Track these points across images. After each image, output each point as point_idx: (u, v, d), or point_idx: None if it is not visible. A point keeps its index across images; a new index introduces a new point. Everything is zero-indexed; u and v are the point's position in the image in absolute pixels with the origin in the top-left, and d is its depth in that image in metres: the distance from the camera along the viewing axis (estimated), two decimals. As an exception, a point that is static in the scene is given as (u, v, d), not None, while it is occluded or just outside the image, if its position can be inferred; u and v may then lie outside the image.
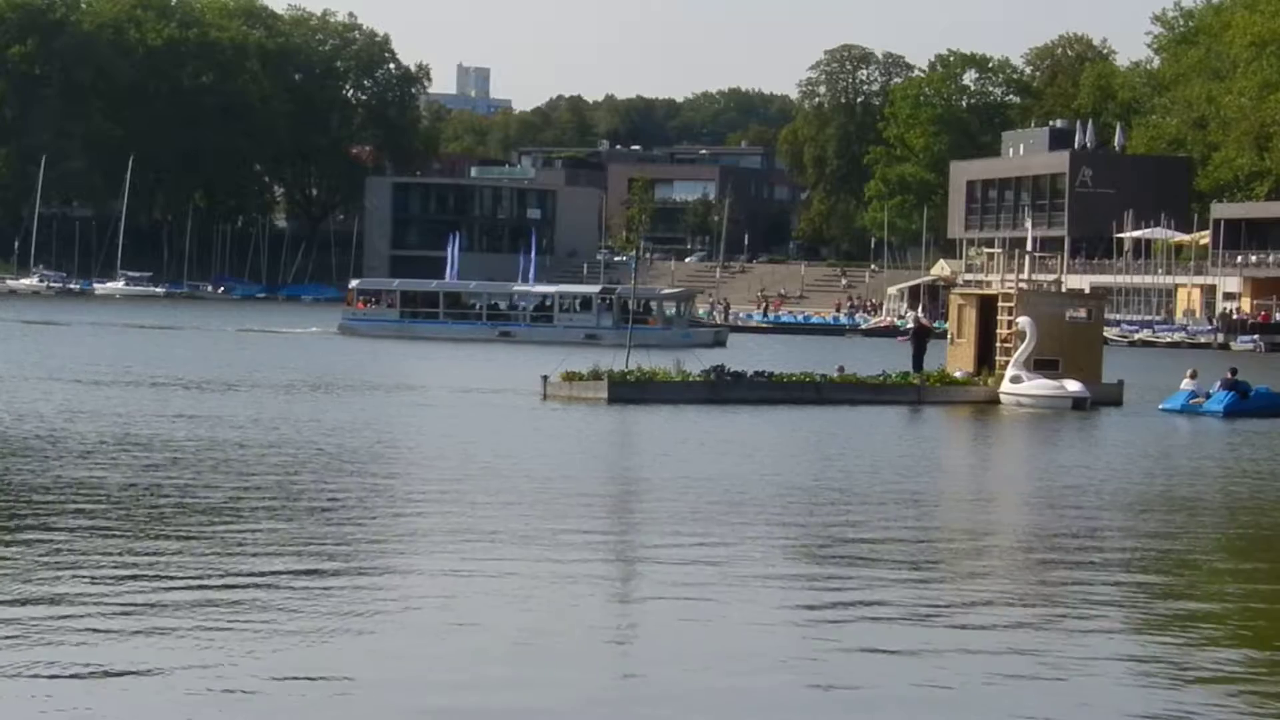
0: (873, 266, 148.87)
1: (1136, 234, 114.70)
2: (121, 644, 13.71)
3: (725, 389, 42.81)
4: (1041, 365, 45.05)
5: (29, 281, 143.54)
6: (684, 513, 22.25)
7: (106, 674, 12.78)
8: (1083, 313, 47.66)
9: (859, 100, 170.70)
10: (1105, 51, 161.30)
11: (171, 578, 16.60)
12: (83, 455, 26.76)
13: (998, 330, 46.64)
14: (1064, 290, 58.45)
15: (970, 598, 17.05)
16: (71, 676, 12.68)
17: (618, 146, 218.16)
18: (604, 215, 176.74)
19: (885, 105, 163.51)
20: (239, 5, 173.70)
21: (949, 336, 49.90)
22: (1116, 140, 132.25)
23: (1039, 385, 44.15)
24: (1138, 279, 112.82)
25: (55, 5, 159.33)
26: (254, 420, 33.85)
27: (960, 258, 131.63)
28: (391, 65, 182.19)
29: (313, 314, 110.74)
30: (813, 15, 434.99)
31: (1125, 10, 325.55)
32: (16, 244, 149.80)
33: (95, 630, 14.15)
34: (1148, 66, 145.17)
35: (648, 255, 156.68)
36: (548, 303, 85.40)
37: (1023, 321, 45.16)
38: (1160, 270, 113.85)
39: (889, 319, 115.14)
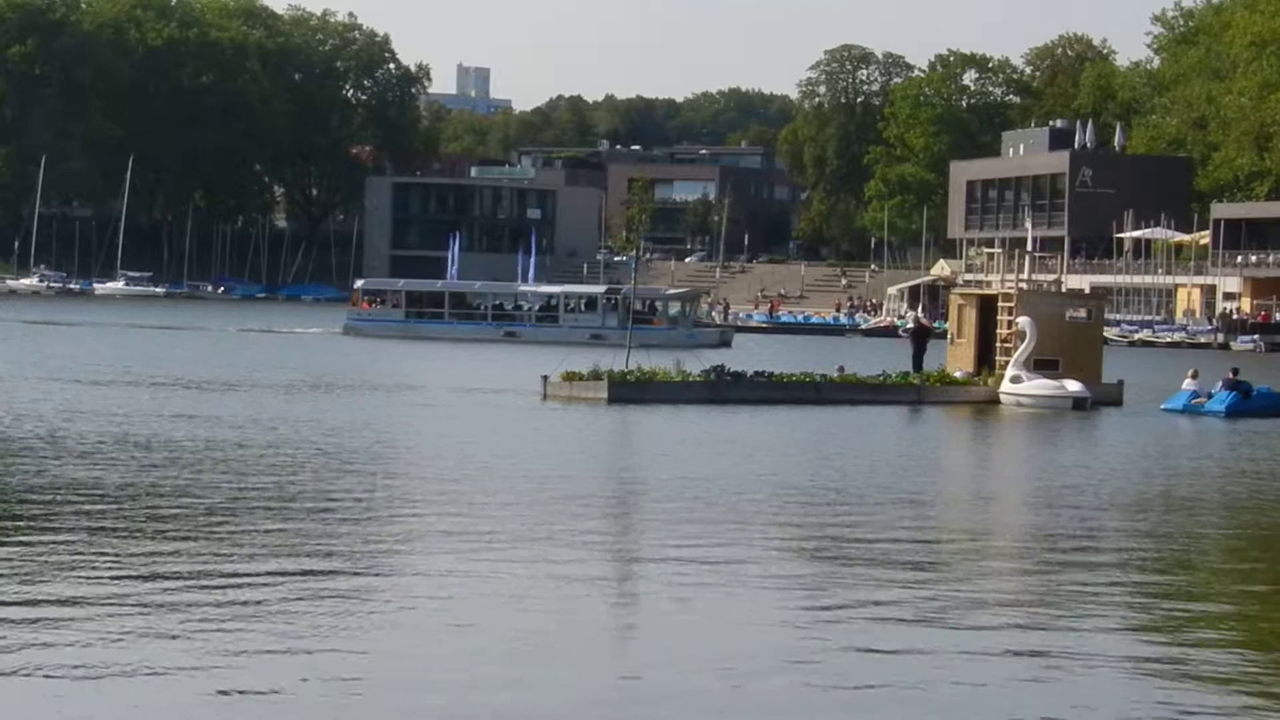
0: (873, 266, 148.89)
1: (1136, 234, 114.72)
2: (120, 645, 13.69)
3: (725, 389, 42.80)
4: (1041, 365, 45.04)
5: (29, 281, 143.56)
6: (683, 513, 22.23)
7: (104, 675, 12.76)
8: (1083, 313, 47.66)
9: (859, 100, 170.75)
10: (1105, 51, 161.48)
11: (170, 578, 16.59)
12: (82, 455, 26.74)
13: (998, 330, 46.63)
14: (1064, 290, 58.45)
15: (970, 598, 17.04)
16: (70, 678, 12.67)
17: (618, 146, 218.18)
18: (604, 215, 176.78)
19: (885, 105, 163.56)
20: (239, 5, 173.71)
21: (949, 336, 49.90)
22: (1116, 140, 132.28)
23: (1039, 385, 44.15)
24: (1138, 279, 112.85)
25: (55, 5, 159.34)
26: (254, 420, 33.84)
27: (960, 258, 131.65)
28: (391, 65, 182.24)
29: (315, 314, 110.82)
30: (813, 15, 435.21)
31: (1125, 10, 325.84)
32: (16, 244, 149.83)
33: (94, 631, 14.13)
34: (1148, 66, 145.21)
35: (648, 255, 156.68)
36: (553, 303, 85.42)
37: (1023, 321, 45.16)
38: (1160, 270, 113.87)
39: (889, 319, 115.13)
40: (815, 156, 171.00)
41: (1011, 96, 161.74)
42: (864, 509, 23.43)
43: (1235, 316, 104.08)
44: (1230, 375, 44.52)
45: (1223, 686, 13.56)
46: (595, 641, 14.78)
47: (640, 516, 22.56)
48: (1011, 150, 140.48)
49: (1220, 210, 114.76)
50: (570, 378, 42.86)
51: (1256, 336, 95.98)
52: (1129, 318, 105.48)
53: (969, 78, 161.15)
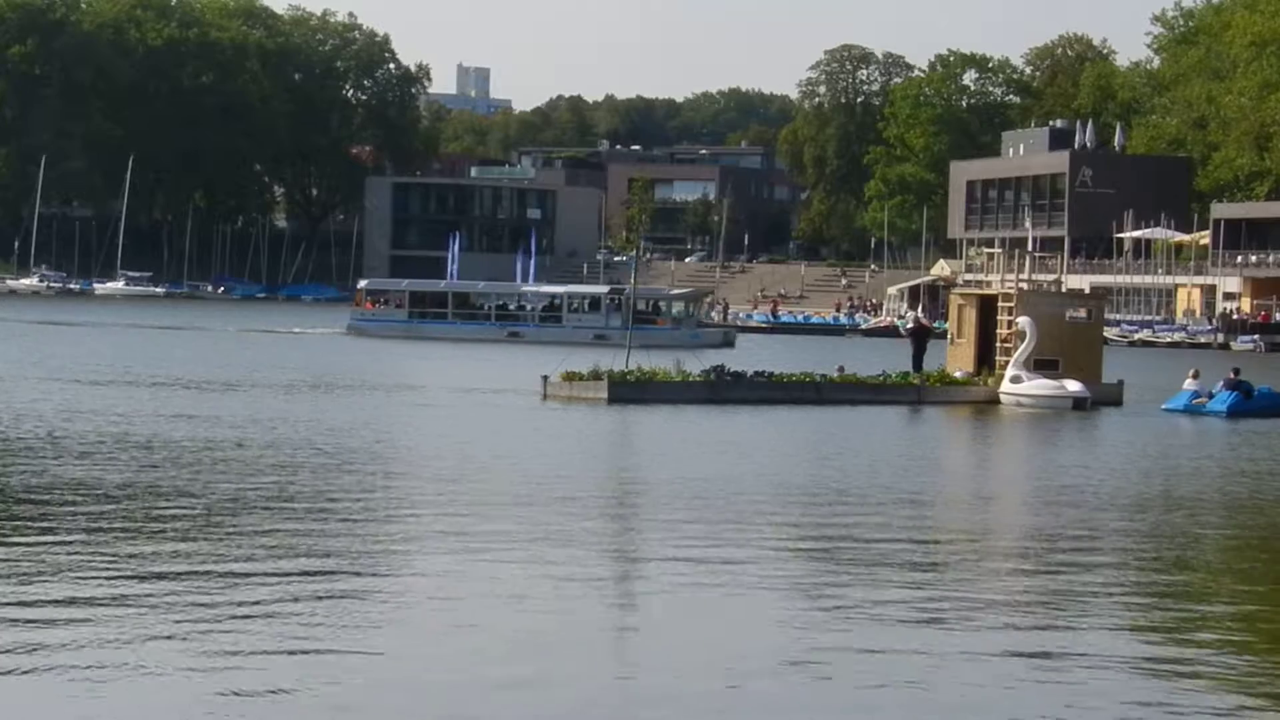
0: (873, 266, 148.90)
1: (1136, 234, 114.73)
2: (119, 645, 13.68)
3: (725, 389, 42.80)
4: (1041, 365, 45.03)
5: (29, 281, 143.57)
6: (683, 513, 22.23)
7: (104, 676, 12.76)
8: (1083, 313, 47.65)
9: (859, 100, 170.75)
10: (1105, 51, 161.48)
11: (170, 578, 16.58)
12: (82, 455, 26.74)
13: (998, 330, 46.63)
14: (1064, 290, 58.45)
15: (970, 598, 17.03)
16: (70, 678, 12.66)
17: (618, 146, 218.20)
18: (604, 215, 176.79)
19: (885, 105, 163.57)
20: (239, 5, 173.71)
21: (949, 336, 49.89)
22: (1116, 140, 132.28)
23: (1039, 385, 44.14)
24: (1138, 279, 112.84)
25: (55, 5, 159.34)
26: (254, 420, 33.83)
27: (960, 258, 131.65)
28: (391, 65, 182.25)
29: (318, 314, 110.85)
30: (813, 15, 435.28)
31: (1125, 10, 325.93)
32: (16, 244, 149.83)
33: (93, 631, 14.12)
34: (1148, 66, 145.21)
35: (648, 255, 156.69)
36: (556, 303, 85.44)
37: (1023, 321, 45.15)
38: (1160, 270, 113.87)
39: (889, 319, 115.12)
40: (815, 156, 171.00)
41: (1011, 96, 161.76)
42: (864, 509, 23.42)
43: (1235, 316, 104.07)
44: (1231, 375, 44.52)
45: (1223, 687, 13.56)
46: (595, 641, 14.78)
47: (640, 516, 22.56)
48: (1011, 150, 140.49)
49: (1220, 210, 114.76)
50: (570, 378, 42.86)
51: (1256, 336, 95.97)
52: (1129, 318, 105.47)
53: (969, 78, 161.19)
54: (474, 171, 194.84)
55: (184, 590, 15.98)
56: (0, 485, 23.15)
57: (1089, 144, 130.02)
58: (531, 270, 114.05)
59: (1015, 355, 44.97)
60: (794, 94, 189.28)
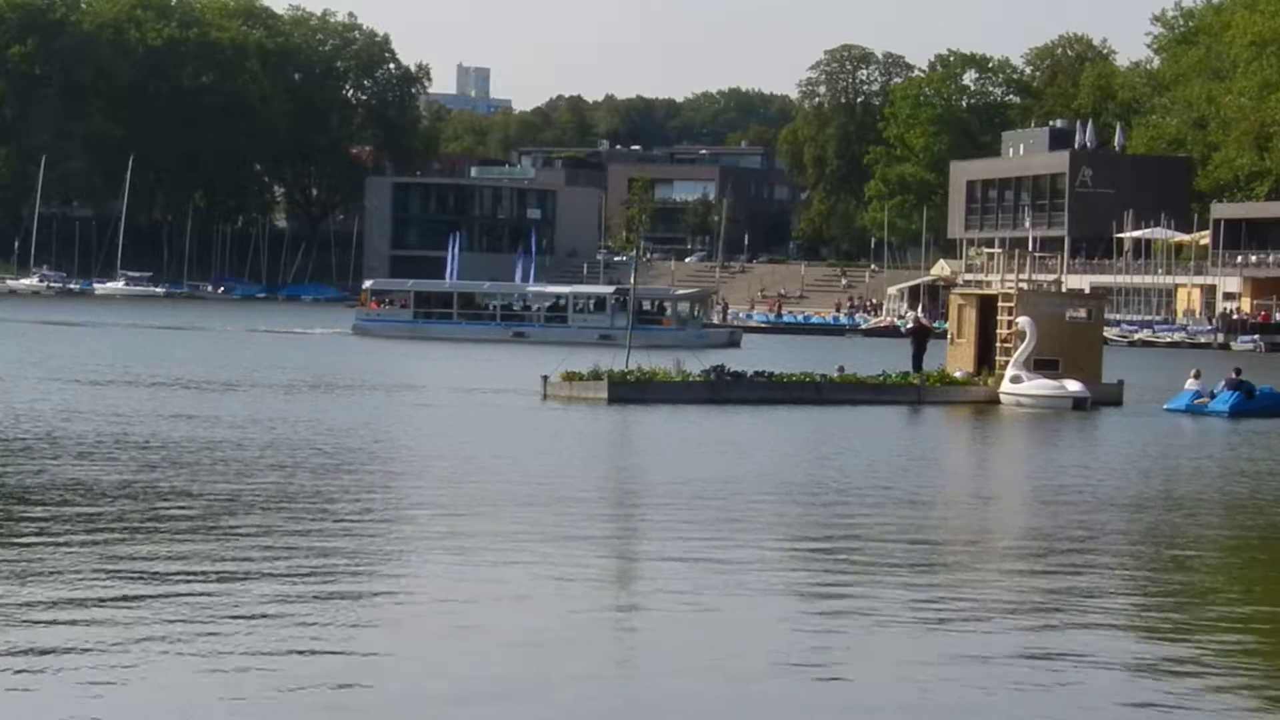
0: (873, 266, 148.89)
1: (1136, 234, 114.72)
2: (118, 646, 13.67)
3: (725, 389, 42.79)
4: (1041, 365, 45.03)
5: (29, 281, 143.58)
6: (683, 513, 22.22)
7: (103, 677, 12.75)
8: (1083, 313, 47.64)
9: (859, 100, 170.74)
10: (1105, 51, 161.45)
11: (169, 579, 16.57)
12: (81, 455, 26.72)
13: (998, 330, 46.62)
14: (1064, 290, 58.44)
15: (970, 598, 17.03)
16: (68, 680, 12.65)
17: (618, 146, 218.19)
18: (604, 215, 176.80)
19: (885, 105, 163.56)
20: (239, 5, 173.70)
21: (949, 336, 49.88)
22: (1116, 140, 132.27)
23: (1039, 385, 44.14)
24: (1138, 279, 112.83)
25: (55, 5, 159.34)
26: (253, 420, 33.83)
27: (960, 258, 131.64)
28: (391, 65, 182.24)
29: (322, 314, 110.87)
30: (813, 15, 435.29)
31: (1125, 10, 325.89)
32: (16, 244, 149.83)
33: (92, 632, 14.11)
34: (1148, 66, 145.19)
35: (648, 255, 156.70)
36: (561, 303, 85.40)
37: (1023, 321, 45.15)
38: (1160, 270, 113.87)
39: (889, 319, 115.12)
40: (815, 156, 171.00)
41: (1011, 96, 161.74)
42: (864, 509, 23.41)
43: (1235, 316, 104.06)
44: (1233, 375, 44.52)
45: (1223, 688, 13.55)
46: (595, 641, 14.77)
47: (640, 516, 22.54)
48: (1011, 150, 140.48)
49: (1220, 210, 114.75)
50: (570, 378, 42.85)
51: (1256, 336, 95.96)
52: (1129, 318, 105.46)
53: (969, 78, 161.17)
54: (474, 171, 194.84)
55: (183, 591, 15.97)
56: None
57: (1089, 144, 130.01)
58: (531, 270, 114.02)
59: (1015, 355, 44.96)
60: (794, 94, 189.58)
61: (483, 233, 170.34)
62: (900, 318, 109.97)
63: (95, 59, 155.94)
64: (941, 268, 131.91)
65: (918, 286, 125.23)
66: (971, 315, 47.95)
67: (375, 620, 15.08)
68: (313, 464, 26.51)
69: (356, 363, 58.47)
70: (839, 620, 15.64)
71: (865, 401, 43.46)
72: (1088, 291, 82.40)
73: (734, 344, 79.83)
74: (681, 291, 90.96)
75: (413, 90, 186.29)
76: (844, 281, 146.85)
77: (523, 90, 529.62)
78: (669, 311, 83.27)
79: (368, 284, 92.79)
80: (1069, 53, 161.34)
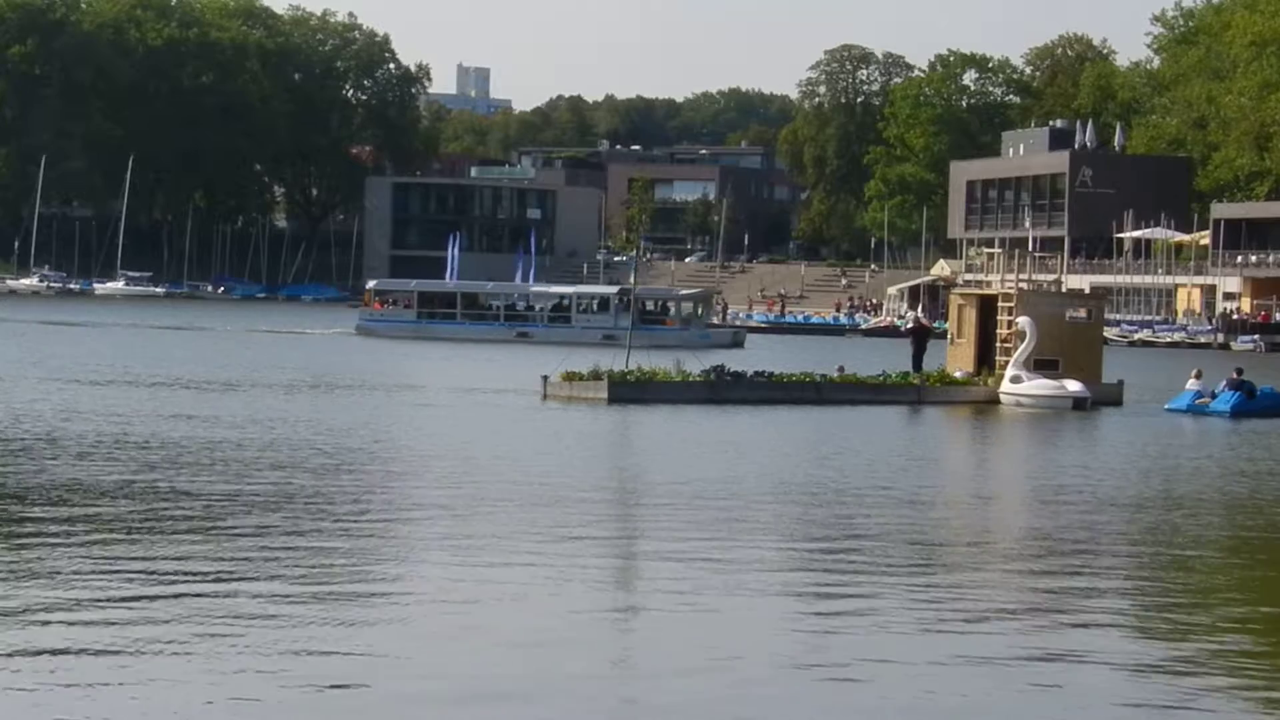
0: (873, 266, 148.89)
1: (1136, 234, 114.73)
2: (118, 647, 13.66)
3: (725, 389, 42.78)
4: (1041, 365, 45.03)
5: (29, 281, 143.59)
6: (683, 513, 22.21)
7: (102, 678, 12.74)
8: (1083, 313, 47.64)
9: (859, 100, 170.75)
10: (1105, 51, 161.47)
11: (169, 580, 16.56)
12: (80, 455, 26.72)
13: (998, 330, 46.62)
14: (1064, 290, 58.44)
15: (970, 599, 17.02)
16: (67, 681, 12.63)
17: (618, 146, 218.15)
18: (604, 215, 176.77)
19: (885, 105, 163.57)
20: (239, 5, 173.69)
21: (949, 336, 49.88)
22: (1116, 140, 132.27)
23: (1039, 385, 44.13)
24: (1138, 279, 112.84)
25: (55, 5, 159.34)
26: (253, 420, 33.83)
27: (960, 258, 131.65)
28: (391, 65, 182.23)
29: (324, 314, 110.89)
30: (813, 15, 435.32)
31: (1125, 10, 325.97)
32: (16, 244, 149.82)
33: (92, 634, 14.10)
34: (1148, 66, 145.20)
35: (648, 255, 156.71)
36: (565, 303, 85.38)
37: (1023, 321, 45.15)
38: (1160, 270, 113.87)
39: (889, 319, 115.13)
40: (815, 156, 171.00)
41: (1011, 96, 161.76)
42: (864, 509, 23.40)
43: (1235, 316, 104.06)
44: (1234, 375, 44.52)
45: (1223, 688, 13.55)
46: (595, 642, 14.76)
47: (640, 517, 22.53)
48: (1011, 150, 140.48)
49: (1220, 210, 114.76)
50: (570, 378, 42.84)
51: (1256, 336, 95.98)
52: (1129, 318, 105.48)
53: (969, 78, 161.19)
54: (474, 171, 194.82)
55: (182, 591, 15.95)
56: (-1, 485, 23.14)
57: (1089, 144, 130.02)
58: (531, 270, 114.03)
59: (1015, 355, 44.96)
60: (794, 94, 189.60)
61: (483, 233, 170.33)
62: (900, 318, 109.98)
63: (95, 59, 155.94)
64: (941, 268, 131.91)
65: (918, 286, 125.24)
66: (971, 315, 47.95)
67: (374, 620, 15.07)
68: (312, 464, 26.50)
69: (359, 363, 58.45)
70: (839, 621, 15.64)
71: (865, 401, 43.46)
72: (1088, 291, 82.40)
73: (738, 344, 79.80)
74: (685, 292, 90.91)
75: (413, 90, 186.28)
76: (844, 281, 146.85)
77: (523, 90, 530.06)
78: (673, 312, 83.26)
79: (371, 284, 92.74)
80: (1069, 53, 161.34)
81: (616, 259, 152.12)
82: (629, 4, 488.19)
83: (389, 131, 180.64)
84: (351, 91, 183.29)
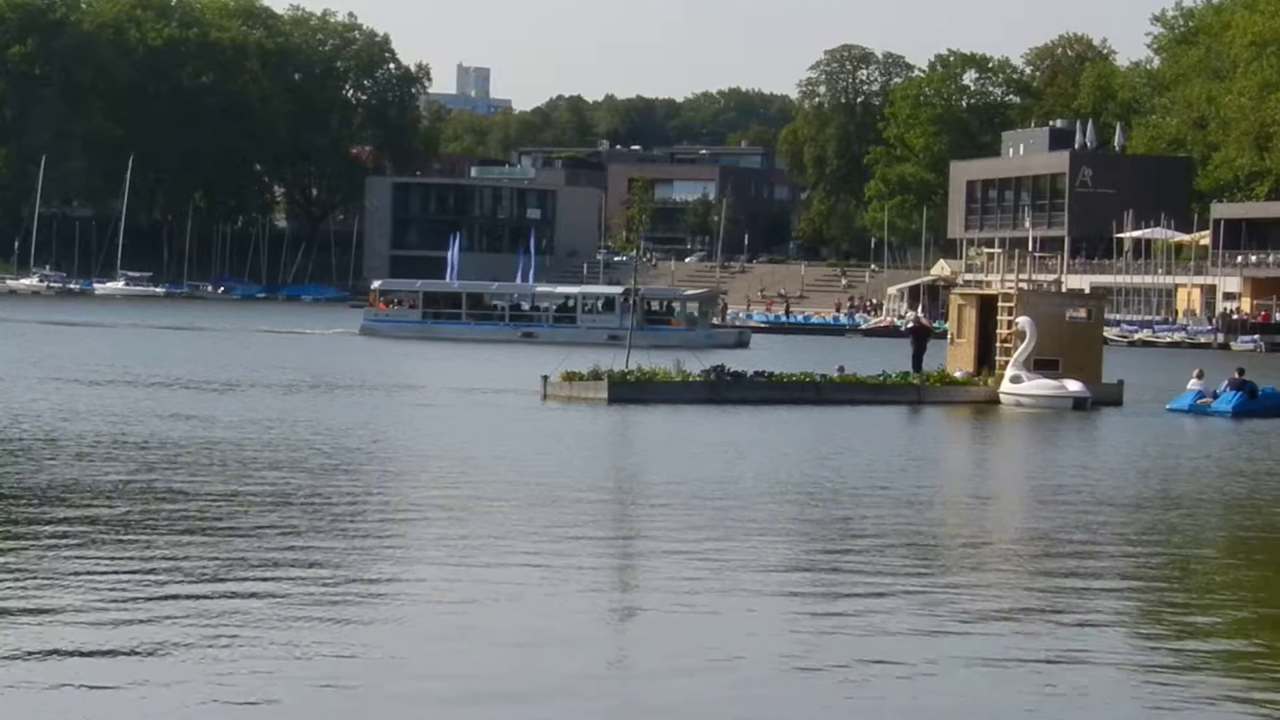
0: (873, 266, 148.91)
1: (1136, 234, 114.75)
2: (117, 648, 13.64)
3: (725, 389, 42.77)
4: (1041, 365, 45.02)
5: (29, 281, 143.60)
6: (682, 513, 22.19)
7: (101, 680, 12.72)
8: (1083, 313, 47.64)
9: (859, 100, 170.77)
10: (1105, 51, 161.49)
11: (168, 581, 16.54)
12: (78, 455, 26.71)
13: (998, 330, 46.61)
14: (1064, 290, 58.44)
15: (968, 600, 17.00)
16: (66, 683, 12.61)
17: (618, 146, 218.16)
18: (604, 215, 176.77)
19: (885, 105, 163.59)
20: (239, 5, 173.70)
21: (949, 336, 49.87)
22: (1116, 140, 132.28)
23: (1039, 385, 44.13)
24: (1138, 279, 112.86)
25: (55, 5, 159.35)
26: (252, 420, 33.83)
27: (960, 258, 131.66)
28: (391, 65, 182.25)
29: (328, 315, 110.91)
30: (813, 15, 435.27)
31: (1125, 10, 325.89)
32: (16, 244, 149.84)
33: (91, 639, 14.08)
34: (1148, 66, 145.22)
35: (648, 255, 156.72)
36: (570, 304, 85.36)
37: (1023, 321, 45.14)
38: (1160, 270, 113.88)
39: (889, 319, 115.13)
40: (815, 156, 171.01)
41: (1011, 96, 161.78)
42: (863, 509, 23.39)
43: (1235, 316, 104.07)
44: (1236, 375, 44.52)
45: (1222, 688, 13.54)
46: (594, 642, 14.74)
47: (639, 517, 22.51)
48: (1011, 150, 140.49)
49: (1220, 210, 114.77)
50: (570, 378, 42.82)
51: (1256, 336, 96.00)
52: (1129, 318, 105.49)
53: (969, 78, 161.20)
54: (474, 171, 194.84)
55: (180, 592, 15.93)
56: (-2, 485, 23.13)
57: (1089, 144, 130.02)
58: (531, 270, 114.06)
59: (1015, 355, 44.95)
60: (794, 94, 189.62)
61: (483, 233, 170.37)
62: (900, 318, 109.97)
63: (95, 59, 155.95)
64: (941, 268, 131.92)
65: (918, 286, 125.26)
66: (971, 315, 47.94)
67: (372, 620, 15.05)
68: (311, 464, 26.49)
69: (362, 363, 58.41)
70: (838, 621, 15.62)
71: (865, 401, 43.45)
72: (1088, 291, 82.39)
73: (743, 344, 79.81)
74: (691, 292, 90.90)
75: (413, 90, 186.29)
76: (844, 281, 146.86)
77: (523, 90, 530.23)
78: (678, 312, 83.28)
79: (376, 284, 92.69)
80: (1069, 53, 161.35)
81: (616, 259, 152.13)
82: (629, 4, 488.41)
83: (389, 131, 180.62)
84: (351, 91, 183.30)
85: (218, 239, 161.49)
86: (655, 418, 37.95)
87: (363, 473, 25.81)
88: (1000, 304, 46.95)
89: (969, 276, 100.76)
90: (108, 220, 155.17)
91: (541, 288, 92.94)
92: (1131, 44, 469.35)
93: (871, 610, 16.07)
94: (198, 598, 15.62)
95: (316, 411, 37.15)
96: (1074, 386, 43.69)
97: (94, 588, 15.95)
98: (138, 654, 13.41)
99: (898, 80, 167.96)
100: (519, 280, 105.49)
